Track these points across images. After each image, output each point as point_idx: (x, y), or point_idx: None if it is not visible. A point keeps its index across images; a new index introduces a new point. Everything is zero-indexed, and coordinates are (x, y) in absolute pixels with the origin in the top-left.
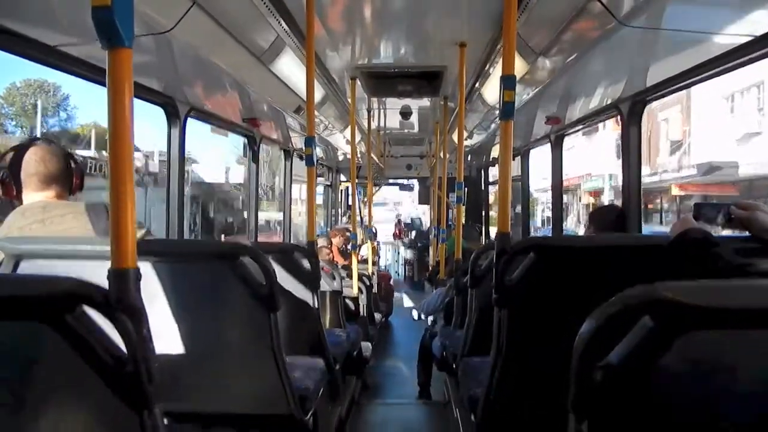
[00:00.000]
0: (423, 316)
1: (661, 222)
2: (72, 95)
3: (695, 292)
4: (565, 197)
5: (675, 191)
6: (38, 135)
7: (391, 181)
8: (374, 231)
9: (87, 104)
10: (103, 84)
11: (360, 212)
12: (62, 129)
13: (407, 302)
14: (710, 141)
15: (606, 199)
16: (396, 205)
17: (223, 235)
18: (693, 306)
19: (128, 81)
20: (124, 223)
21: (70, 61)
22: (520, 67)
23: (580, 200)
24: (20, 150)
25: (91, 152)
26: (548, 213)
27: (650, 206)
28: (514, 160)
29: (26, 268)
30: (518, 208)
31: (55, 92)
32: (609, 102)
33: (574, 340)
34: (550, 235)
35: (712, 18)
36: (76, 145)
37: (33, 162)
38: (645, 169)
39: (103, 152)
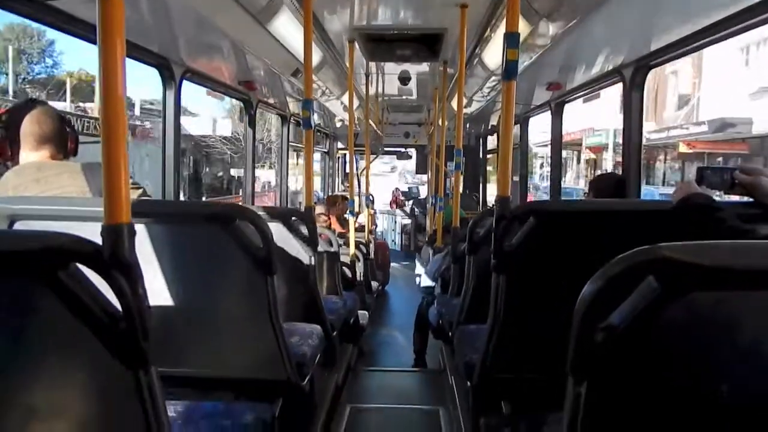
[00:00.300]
0: (431, 281)
1: (664, 182)
2: (57, 40)
3: (700, 252)
4: (565, 153)
5: (683, 148)
6: (20, 81)
7: (388, 148)
8: (371, 199)
9: (73, 50)
10: (95, 42)
11: (358, 180)
12: (48, 76)
13: (406, 271)
14: (722, 96)
15: (609, 156)
16: (391, 158)
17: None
18: (698, 265)
19: (120, 35)
20: (117, 178)
21: (61, 17)
22: (522, 28)
23: (580, 158)
24: (16, 111)
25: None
26: (548, 169)
27: (654, 163)
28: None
29: (21, 228)
30: (516, 177)
31: (39, 37)
32: (611, 67)
33: (574, 304)
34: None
35: None
36: (60, 95)
37: (28, 122)
38: (650, 125)
39: (88, 104)
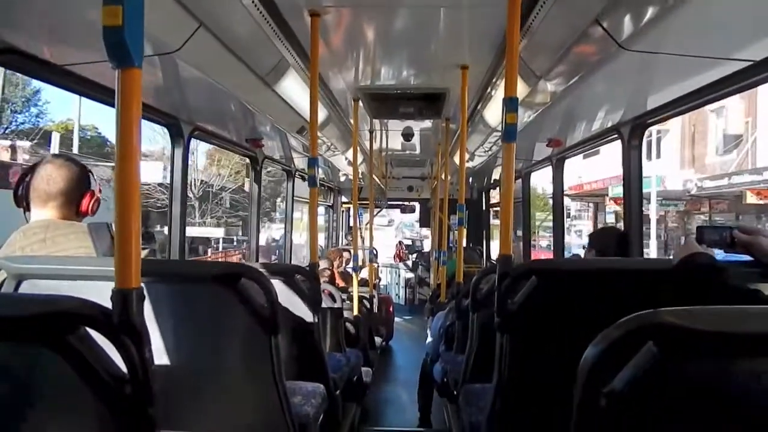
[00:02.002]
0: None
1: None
2: (43, 90)
3: (700, 318)
4: (581, 204)
5: (751, 199)
6: (4, 131)
7: (392, 202)
8: (375, 252)
9: (60, 100)
10: (110, 104)
11: (361, 234)
12: (33, 126)
13: (410, 326)
14: None
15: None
16: (388, 210)
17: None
18: (698, 331)
19: (137, 100)
20: (130, 242)
21: (78, 81)
22: (521, 89)
23: (604, 210)
24: (33, 166)
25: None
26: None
27: (711, 216)
28: (515, 182)
29: (28, 288)
30: (519, 231)
31: (24, 86)
32: (609, 125)
33: (578, 366)
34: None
35: (712, 43)
36: (46, 146)
37: (38, 179)
38: (687, 173)
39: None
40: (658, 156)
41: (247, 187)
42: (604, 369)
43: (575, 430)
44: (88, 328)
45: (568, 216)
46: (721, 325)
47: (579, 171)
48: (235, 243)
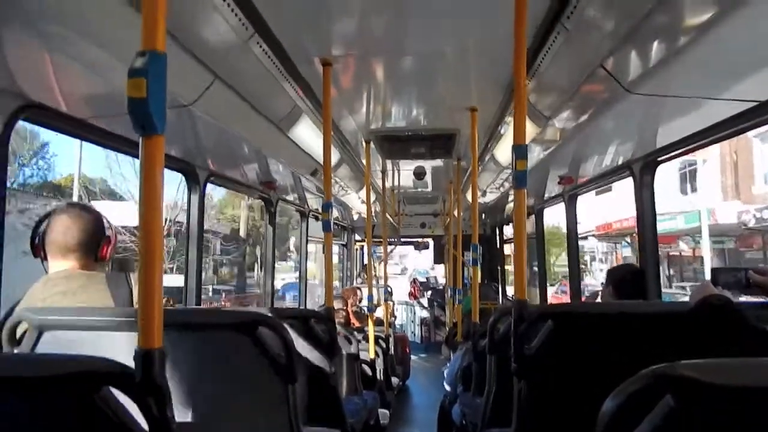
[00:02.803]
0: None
1: None
2: (51, 142)
3: (718, 371)
4: (608, 244)
5: None
6: (10, 184)
7: (405, 239)
8: (390, 291)
9: (67, 153)
10: (133, 155)
11: (375, 271)
12: (42, 179)
13: (427, 364)
14: None
15: (686, 247)
16: (402, 258)
17: None
18: (716, 386)
19: (159, 163)
20: (153, 302)
21: (98, 133)
22: (531, 130)
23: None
24: (48, 216)
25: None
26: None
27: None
28: (528, 218)
29: (49, 339)
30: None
31: (32, 140)
32: (621, 162)
33: (597, 411)
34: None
35: (716, 84)
36: (59, 197)
37: (55, 230)
38: (733, 204)
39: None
40: (694, 189)
41: (240, 229)
42: (622, 423)
43: None
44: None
45: (594, 259)
46: (739, 378)
47: (605, 208)
48: (223, 294)
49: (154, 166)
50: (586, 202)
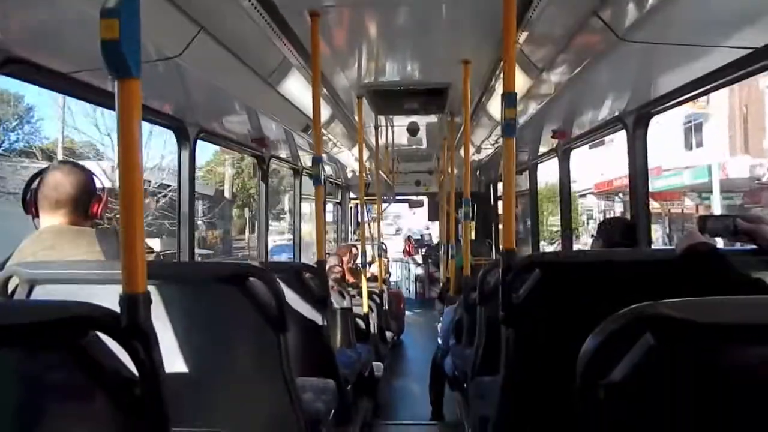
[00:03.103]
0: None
1: None
2: (37, 106)
3: (696, 309)
4: (606, 202)
5: None
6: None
7: (399, 197)
8: (384, 247)
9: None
10: (112, 108)
11: (369, 229)
12: (27, 144)
13: (421, 319)
14: None
15: (691, 204)
16: (396, 219)
17: None
18: (693, 323)
19: (137, 109)
20: (135, 247)
21: (81, 87)
22: (523, 82)
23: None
24: (40, 173)
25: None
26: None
27: None
28: (521, 174)
29: (40, 292)
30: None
31: (16, 103)
32: (614, 115)
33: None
34: None
35: (711, 31)
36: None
37: (47, 186)
38: (744, 159)
39: None
40: (699, 144)
41: (224, 189)
42: (602, 361)
43: (576, 422)
44: (98, 333)
45: (591, 218)
46: (716, 316)
47: (605, 163)
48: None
49: (131, 111)
50: (587, 159)
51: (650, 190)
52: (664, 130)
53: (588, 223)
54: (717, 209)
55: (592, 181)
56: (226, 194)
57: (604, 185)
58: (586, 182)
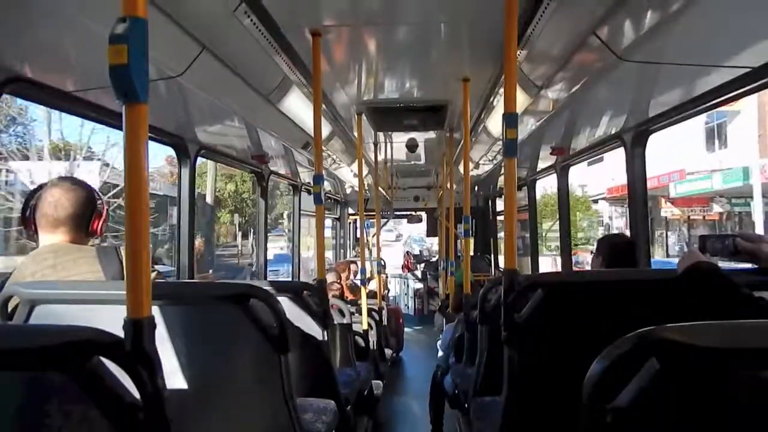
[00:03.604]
0: (443, 353)
1: None
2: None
3: (701, 333)
4: (624, 208)
5: None
6: None
7: (398, 212)
8: (383, 264)
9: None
10: (120, 128)
11: (368, 245)
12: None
13: (420, 336)
14: None
15: (719, 210)
16: (396, 225)
17: None
18: (699, 348)
19: (143, 132)
20: (140, 271)
21: (84, 106)
22: (523, 100)
23: (659, 215)
24: (38, 190)
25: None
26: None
27: None
28: (520, 190)
29: (41, 313)
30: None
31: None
32: (613, 132)
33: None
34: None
35: (708, 51)
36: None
37: (46, 203)
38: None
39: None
40: (723, 145)
41: (206, 195)
42: (608, 385)
43: None
44: (102, 357)
45: (601, 224)
46: (721, 340)
47: (618, 168)
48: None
49: (137, 135)
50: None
51: (674, 195)
52: (682, 131)
53: (597, 230)
54: (758, 216)
55: (605, 186)
56: (208, 199)
57: (617, 190)
58: (599, 187)
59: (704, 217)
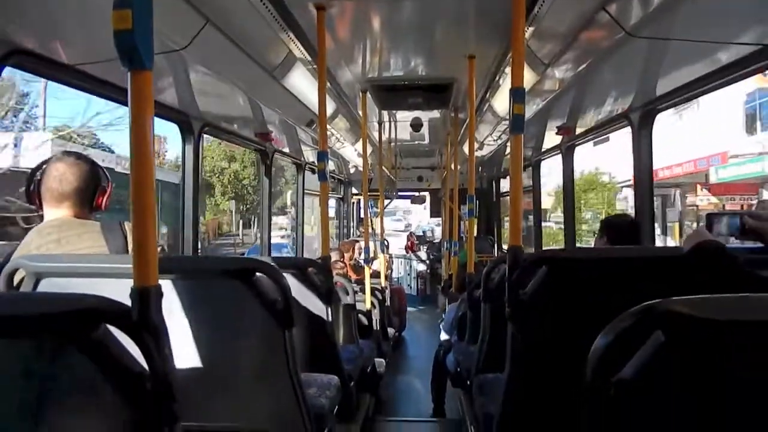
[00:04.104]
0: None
1: None
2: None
3: (707, 307)
4: (660, 193)
5: None
6: None
7: (402, 193)
8: (386, 244)
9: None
10: (122, 103)
11: (372, 225)
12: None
13: (423, 316)
14: None
15: None
16: (405, 214)
17: None
18: (705, 320)
19: (149, 101)
20: (147, 241)
21: (87, 79)
22: (529, 78)
23: (696, 204)
24: (43, 164)
25: None
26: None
27: None
28: (525, 171)
29: (47, 286)
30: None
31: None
32: (620, 112)
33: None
34: None
35: (719, 28)
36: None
37: (50, 178)
38: None
39: None
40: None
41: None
42: (613, 358)
43: (585, 419)
44: (108, 326)
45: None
46: (727, 313)
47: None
48: None
49: (143, 103)
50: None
51: (715, 180)
52: (718, 114)
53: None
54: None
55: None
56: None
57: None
58: (628, 173)
59: (742, 206)
